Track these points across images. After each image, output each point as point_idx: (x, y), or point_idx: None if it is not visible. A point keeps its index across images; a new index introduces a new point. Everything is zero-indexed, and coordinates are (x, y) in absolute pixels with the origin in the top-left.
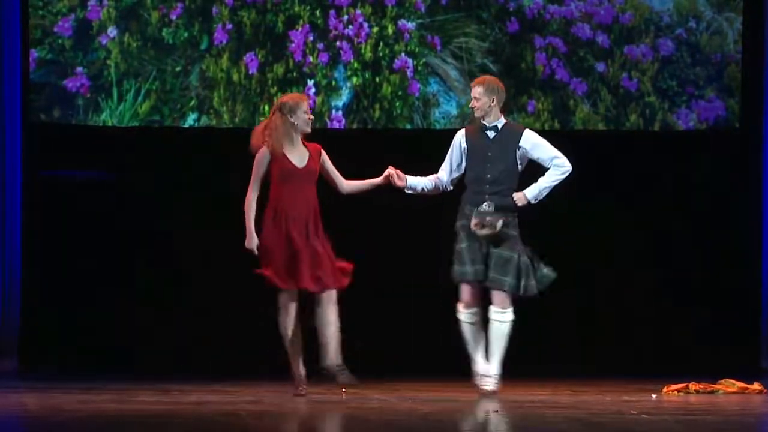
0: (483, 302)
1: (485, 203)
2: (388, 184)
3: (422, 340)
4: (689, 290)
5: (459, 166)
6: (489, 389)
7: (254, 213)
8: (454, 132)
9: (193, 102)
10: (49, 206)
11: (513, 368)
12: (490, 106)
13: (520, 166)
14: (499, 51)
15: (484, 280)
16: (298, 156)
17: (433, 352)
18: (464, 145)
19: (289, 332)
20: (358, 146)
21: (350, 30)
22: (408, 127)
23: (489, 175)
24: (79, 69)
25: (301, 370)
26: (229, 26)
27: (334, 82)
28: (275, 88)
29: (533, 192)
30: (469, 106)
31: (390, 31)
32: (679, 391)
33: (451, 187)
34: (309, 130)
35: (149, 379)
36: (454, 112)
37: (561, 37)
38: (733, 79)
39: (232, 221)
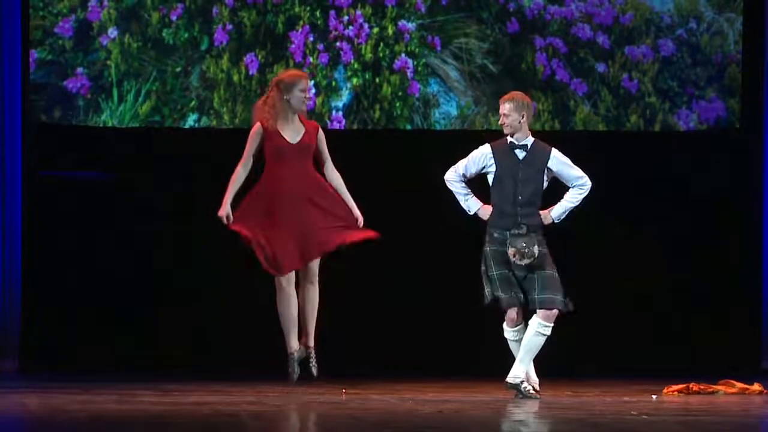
0: (526, 317)
1: (516, 227)
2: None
3: (423, 340)
4: (690, 290)
5: (473, 178)
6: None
7: (238, 186)
8: (453, 132)
9: (193, 103)
10: (49, 207)
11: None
12: (519, 122)
13: (545, 184)
14: (500, 51)
15: (526, 303)
16: (292, 132)
17: (433, 353)
18: (492, 165)
19: (283, 311)
20: (358, 147)
21: (350, 31)
22: (408, 127)
23: (521, 197)
24: (80, 70)
25: (294, 345)
26: (230, 27)
27: (334, 83)
28: None
29: (558, 212)
30: (498, 123)
31: (390, 31)
32: (679, 391)
33: None
34: (304, 109)
35: (149, 379)
36: (455, 112)
37: (561, 37)
38: (734, 80)
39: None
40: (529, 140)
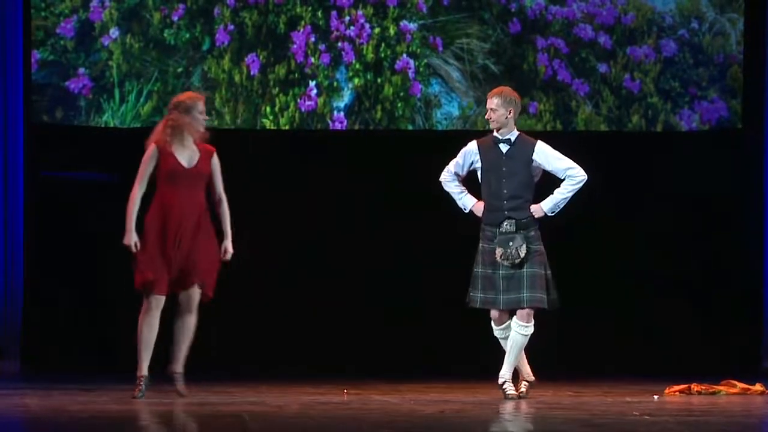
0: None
1: (506, 222)
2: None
3: (423, 340)
4: (691, 291)
5: (465, 175)
6: (517, 392)
7: (137, 209)
8: (455, 133)
9: None
10: (50, 207)
11: (514, 369)
12: (506, 117)
13: (535, 178)
14: (501, 52)
15: (508, 304)
16: (187, 156)
17: (433, 353)
18: (477, 161)
19: (146, 332)
20: (359, 147)
21: (352, 31)
22: (410, 128)
23: (506, 191)
24: (81, 70)
25: (145, 371)
26: (231, 27)
27: (335, 83)
28: (277, 89)
29: (549, 205)
30: (485, 117)
31: (392, 32)
32: (681, 392)
33: None
34: (202, 130)
35: (150, 380)
36: (456, 113)
37: (563, 38)
38: (736, 80)
39: (232, 221)
40: (514, 134)
